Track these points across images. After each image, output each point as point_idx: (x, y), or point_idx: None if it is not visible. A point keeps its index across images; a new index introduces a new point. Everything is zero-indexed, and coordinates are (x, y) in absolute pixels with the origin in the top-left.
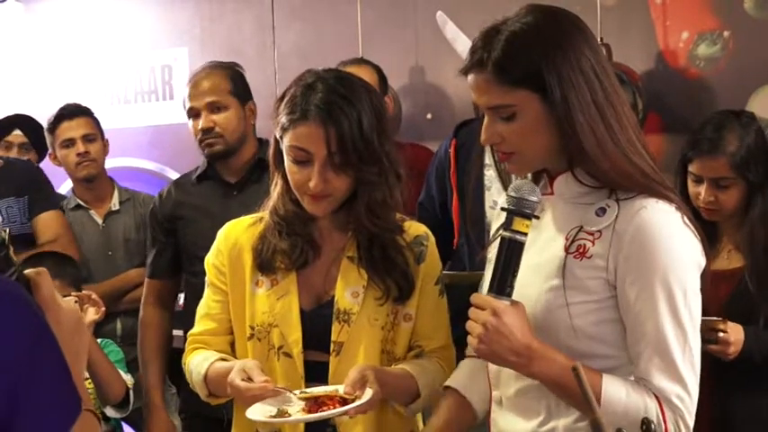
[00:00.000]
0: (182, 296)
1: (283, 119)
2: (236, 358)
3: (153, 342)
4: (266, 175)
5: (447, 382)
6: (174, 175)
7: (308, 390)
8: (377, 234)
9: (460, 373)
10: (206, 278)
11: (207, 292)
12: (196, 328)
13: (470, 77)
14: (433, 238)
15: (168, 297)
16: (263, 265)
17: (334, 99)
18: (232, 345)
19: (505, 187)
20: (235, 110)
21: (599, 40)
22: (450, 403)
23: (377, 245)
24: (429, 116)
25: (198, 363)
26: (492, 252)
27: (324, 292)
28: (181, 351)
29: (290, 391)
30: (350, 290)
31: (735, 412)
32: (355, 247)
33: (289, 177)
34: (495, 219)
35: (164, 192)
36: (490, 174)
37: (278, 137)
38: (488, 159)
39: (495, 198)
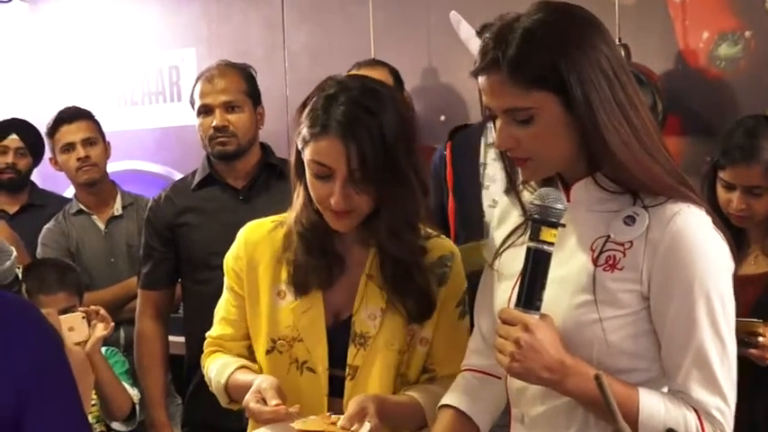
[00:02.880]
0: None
1: (304, 131)
2: (253, 362)
3: (153, 357)
4: (274, 182)
5: (443, 401)
6: (180, 177)
7: (308, 419)
8: (399, 258)
9: (458, 390)
10: (224, 280)
11: (226, 294)
12: (214, 331)
13: (482, 79)
14: (458, 257)
15: (165, 308)
16: (299, 283)
17: (357, 112)
18: (249, 348)
19: (515, 191)
20: (249, 111)
21: (617, 39)
22: (448, 421)
23: (399, 267)
24: (442, 118)
25: (218, 370)
26: (503, 263)
27: (342, 308)
28: (181, 357)
29: (298, 417)
30: (368, 311)
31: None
32: (376, 266)
33: (310, 190)
34: (497, 219)
35: (160, 198)
36: (487, 173)
37: (299, 148)
38: (483, 158)
39: (495, 197)
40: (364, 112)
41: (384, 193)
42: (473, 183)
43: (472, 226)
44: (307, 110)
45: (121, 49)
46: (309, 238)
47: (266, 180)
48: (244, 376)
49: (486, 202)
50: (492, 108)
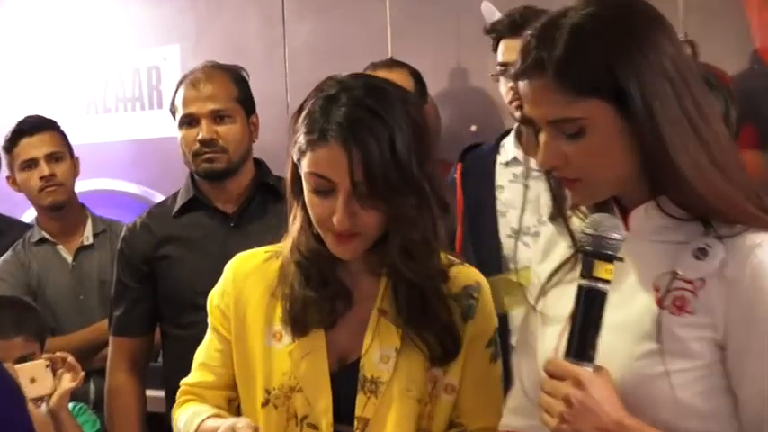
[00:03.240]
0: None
1: (301, 139)
2: (232, 415)
3: (128, 415)
4: (271, 205)
5: None
6: (161, 199)
7: None
8: (415, 282)
9: None
10: (209, 319)
11: (209, 336)
12: (191, 378)
13: (523, 84)
14: (487, 289)
15: (142, 358)
16: (296, 320)
17: (361, 115)
18: (231, 401)
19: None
20: (241, 122)
21: (682, 35)
22: None
23: (415, 294)
24: (473, 128)
25: (188, 419)
26: (548, 305)
27: (349, 350)
28: (161, 415)
29: None
30: (379, 352)
31: None
32: (389, 298)
33: (309, 210)
34: (541, 251)
35: (135, 226)
36: (504, 197)
37: (295, 160)
38: (501, 181)
39: (514, 225)
40: (369, 114)
41: (395, 210)
42: (488, 209)
43: (487, 259)
44: (303, 114)
45: (91, 48)
46: (309, 267)
47: (261, 203)
48: (215, 422)
49: (503, 232)
50: (534, 119)
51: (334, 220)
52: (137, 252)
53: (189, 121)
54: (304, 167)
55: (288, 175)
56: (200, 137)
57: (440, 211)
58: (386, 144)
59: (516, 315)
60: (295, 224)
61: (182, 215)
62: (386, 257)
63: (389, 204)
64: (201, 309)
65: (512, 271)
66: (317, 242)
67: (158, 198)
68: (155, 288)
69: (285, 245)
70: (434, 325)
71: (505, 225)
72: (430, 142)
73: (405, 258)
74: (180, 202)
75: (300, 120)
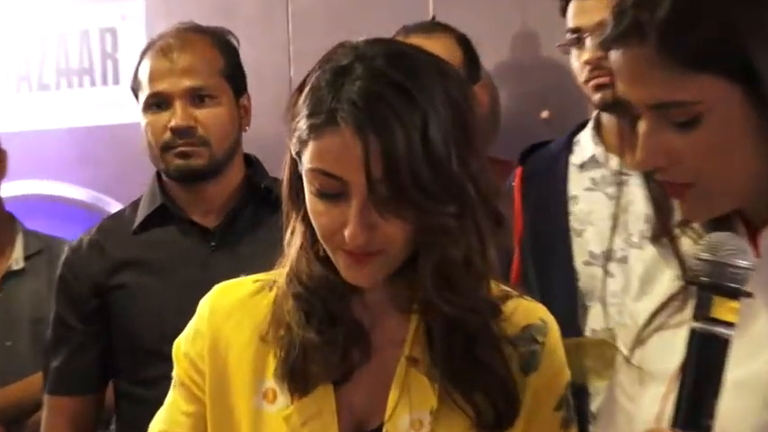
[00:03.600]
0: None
1: (302, 124)
2: None
3: None
4: (267, 217)
5: None
6: (119, 208)
7: None
8: (456, 319)
9: None
10: (174, 372)
11: (173, 396)
12: None
13: (616, 55)
14: (555, 329)
15: (87, 424)
16: (295, 374)
17: (382, 90)
18: None
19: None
20: (227, 104)
21: None
22: None
23: (457, 337)
24: (545, 114)
25: None
26: (648, 356)
27: (368, 413)
28: None
29: None
30: (409, 416)
31: None
32: (422, 341)
33: (313, 221)
34: (638, 281)
35: (81, 245)
36: (579, 209)
37: (293, 154)
38: (575, 188)
39: (593, 247)
40: (393, 90)
41: (427, 220)
42: (557, 226)
43: (556, 293)
44: (305, 92)
45: (26, 6)
46: (311, 300)
47: (254, 214)
48: None
49: (578, 257)
50: (631, 101)
51: (346, 233)
52: (83, 280)
53: (157, 103)
54: (305, 162)
55: (284, 175)
56: (172, 124)
57: (490, 224)
58: (415, 130)
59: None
60: (293, 242)
61: (145, 230)
62: (416, 286)
63: (420, 213)
64: (168, 359)
65: (601, 331)
66: (322, 266)
67: (114, 207)
68: (107, 330)
69: (280, 272)
70: (483, 379)
71: (581, 248)
72: (476, 131)
73: (441, 287)
74: (143, 212)
75: (302, 99)
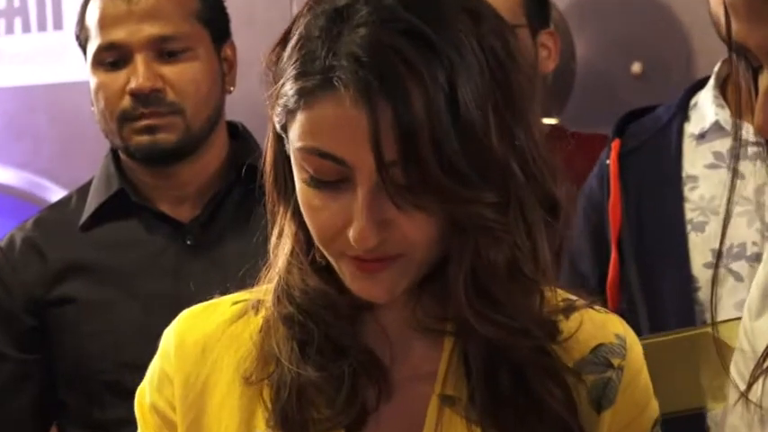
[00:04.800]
0: None
1: (288, 89)
2: None
3: None
4: (257, 207)
5: None
6: (61, 195)
7: None
8: (501, 343)
9: None
10: (139, 428)
11: None
12: None
13: None
14: (636, 348)
15: None
16: (290, 421)
17: (393, 41)
18: None
19: None
20: (206, 57)
21: None
22: None
23: (503, 367)
24: (636, 67)
25: None
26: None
27: None
28: None
29: None
30: None
31: None
32: (458, 375)
33: (306, 217)
34: (759, 292)
35: (13, 244)
36: (700, 196)
37: (278, 129)
38: (692, 167)
39: (714, 245)
40: (408, 40)
41: (458, 212)
42: (670, 220)
43: (669, 306)
44: (291, 45)
45: None
46: (308, 325)
47: (240, 203)
48: None
49: (698, 257)
50: (750, 46)
51: (352, 233)
52: (15, 293)
53: (112, 59)
54: (293, 140)
55: (266, 158)
56: (132, 86)
57: (539, 216)
58: (439, 92)
59: (715, 410)
60: (282, 247)
61: (97, 225)
62: (447, 301)
63: (448, 203)
64: (130, 395)
65: (707, 325)
66: (320, 278)
67: (54, 194)
68: (49, 356)
69: (267, 288)
70: (538, 421)
71: (704, 246)
72: (524, 92)
73: (479, 301)
74: (95, 201)
75: (287, 55)
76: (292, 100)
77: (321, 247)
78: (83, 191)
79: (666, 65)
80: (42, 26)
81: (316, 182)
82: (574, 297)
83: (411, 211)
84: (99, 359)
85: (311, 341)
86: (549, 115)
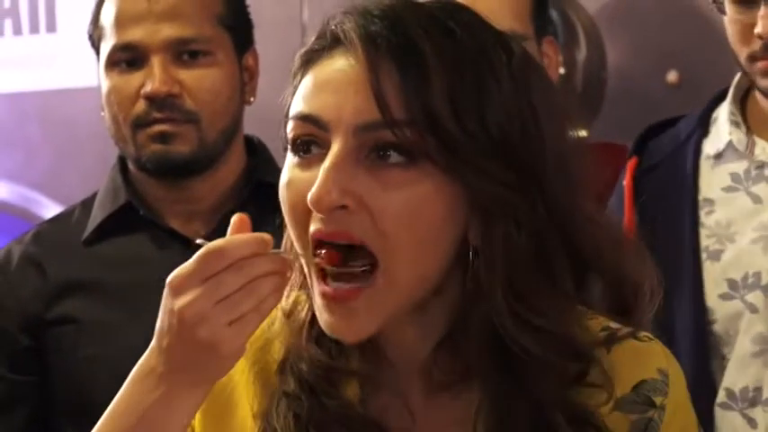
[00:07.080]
0: None
1: (296, 68)
2: None
3: None
4: (275, 224)
5: None
6: (58, 211)
7: None
8: (534, 376)
9: None
10: None
11: None
12: None
13: None
14: (680, 383)
15: None
16: None
17: (408, 15)
18: None
19: None
20: (227, 64)
21: None
22: None
23: (530, 407)
24: (672, 76)
25: None
26: None
27: None
28: None
29: None
30: None
31: None
32: (481, 405)
33: (282, 201)
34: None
35: (10, 261)
36: (714, 221)
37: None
38: (709, 189)
39: (735, 275)
40: (426, 18)
41: (478, 186)
42: (683, 247)
43: (683, 344)
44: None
45: None
46: (307, 402)
47: (257, 221)
48: None
49: (714, 287)
50: None
51: (312, 190)
52: (12, 311)
53: (127, 59)
54: (290, 113)
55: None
56: (147, 89)
57: (583, 224)
58: (463, 65)
59: None
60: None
61: (102, 240)
62: (468, 352)
63: (466, 167)
64: None
65: None
66: (323, 349)
67: (49, 210)
68: (45, 381)
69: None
70: None
71: (720, 274)
72: (550, 98)
73: (518, 305)
74: (100, 214)
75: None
76: (298, 74)
77: (293, 237)
78: (86, 203)
79: (704, 73)
80: (35, 28)
81: (293, 151)
82: (615, 325)
83: (382, 194)
84: (99, 386)
85: (311, 419)
86: (578, 127)
